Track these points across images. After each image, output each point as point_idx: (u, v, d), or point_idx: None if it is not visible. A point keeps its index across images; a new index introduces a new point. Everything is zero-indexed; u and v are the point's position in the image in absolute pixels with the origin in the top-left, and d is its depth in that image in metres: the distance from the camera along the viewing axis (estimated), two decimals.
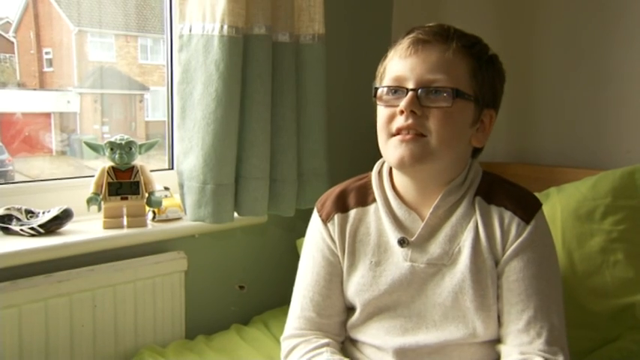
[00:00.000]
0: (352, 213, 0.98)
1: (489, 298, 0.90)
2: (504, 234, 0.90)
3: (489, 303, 0.90)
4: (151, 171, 1.40)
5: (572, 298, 1.15)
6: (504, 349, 0.90)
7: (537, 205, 0.93)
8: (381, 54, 0.97)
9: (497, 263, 0.90)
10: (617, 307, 1.17)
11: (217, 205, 1.35)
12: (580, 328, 1.13)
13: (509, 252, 0.89)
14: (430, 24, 0.92)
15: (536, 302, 0.87)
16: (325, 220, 0.99)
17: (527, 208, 0.91)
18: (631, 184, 1.25)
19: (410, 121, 0.86)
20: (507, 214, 0.90)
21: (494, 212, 0.91)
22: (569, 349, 0.89)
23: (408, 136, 0.87)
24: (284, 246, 1.65)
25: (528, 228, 0.89)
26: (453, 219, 0.92)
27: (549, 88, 1.57)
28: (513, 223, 0.90)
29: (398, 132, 0.88)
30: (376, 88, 0.92)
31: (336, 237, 0.97)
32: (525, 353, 0.86)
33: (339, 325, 1.00)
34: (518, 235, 0.89)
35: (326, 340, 0.96)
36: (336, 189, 1.03)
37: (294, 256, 1.56)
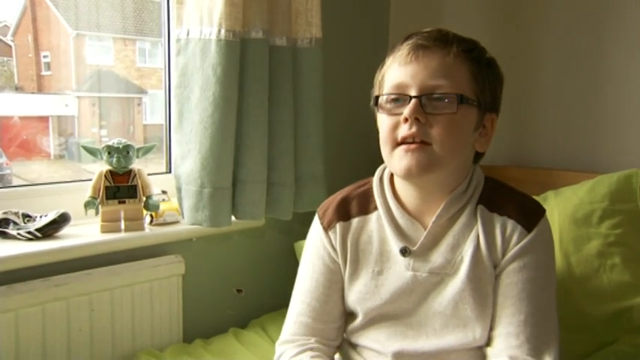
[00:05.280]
0: (354, 222, 0.97)
1: (490, 306, 0.89)
2: (505, 241, 0.89)
3: (490, 311, 0.89)
4: (149, 174, 1.40)
5: (569, 302, 1.15)
6: (491, 352, 0.89)
7: (541, 213, 0.92)
8: (378, 57, 0.97)
9: (496, 269, 0.90)
10: (614, 311, 1.17)
11: (215, 208, 1.35)
12: (577, 331, 1.13)
13: (507, 256, 0.89)
14: (428, 29, 0.91)
15: (528, 307, 0.87)
16: (327, 228, 0.98)
17: (531, 216, 0.90)
18: (628, 187, 1.25)
19: (414, 129, 0.85)
20: (510, 223, 0.90)
21: (497, 221, 0.90)
22: (566, 353, 0.89)
23: (413, 146, 0.85)
24: (282, 249, 1.65)
25: (530, 235, 0.89)
26: (456, 228, 0.91)
27: (547, 91, 1.58)
28: (516, 232, 0.89)
29: (403, 141, 0.86)
30: (377, 97, 0.91)
31: (337, 245, 0.97)
32: (513, 357, 0.85)
33: (335, 331, 0.99)
34: (518, 242, 0.89)
35: (312, 345, 0.95)
36: (337, 196, 1.01)
37: (292, 260, 1.56)
